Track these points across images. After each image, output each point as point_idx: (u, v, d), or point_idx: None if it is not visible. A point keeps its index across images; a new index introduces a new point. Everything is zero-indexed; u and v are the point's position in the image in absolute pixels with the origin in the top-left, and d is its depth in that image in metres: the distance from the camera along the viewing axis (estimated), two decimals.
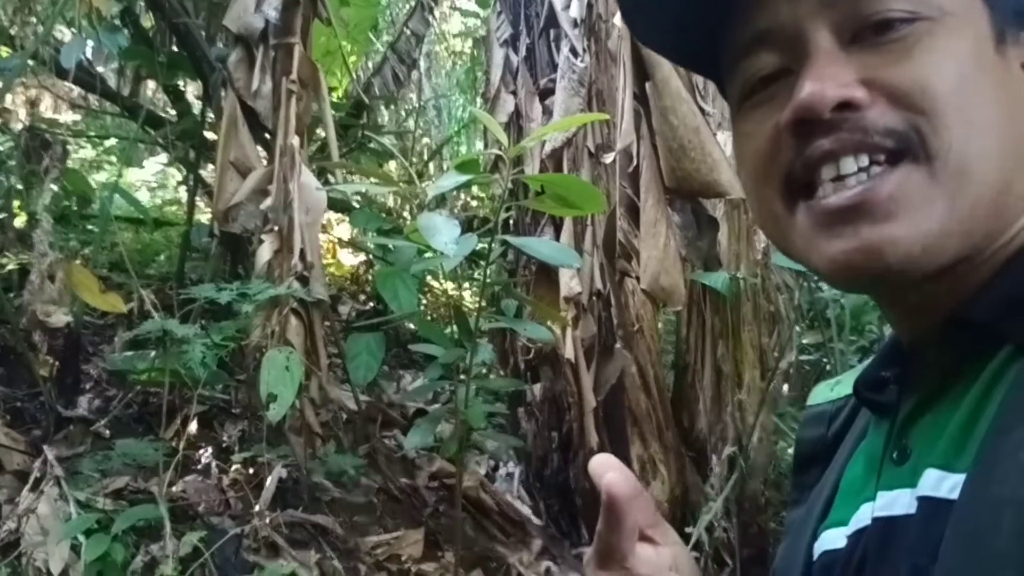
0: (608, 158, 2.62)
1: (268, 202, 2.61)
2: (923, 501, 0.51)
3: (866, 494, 0.57)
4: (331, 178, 3.63)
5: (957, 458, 0.50)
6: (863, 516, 0.57)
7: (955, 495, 0.49)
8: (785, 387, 4.74)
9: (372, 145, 4.15)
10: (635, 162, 2.39)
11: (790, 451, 4.64)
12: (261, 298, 2.39)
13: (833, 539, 0.60)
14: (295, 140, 2.64)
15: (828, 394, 0.71)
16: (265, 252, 2.57)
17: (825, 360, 5.29)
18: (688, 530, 3.09)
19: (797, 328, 3.85)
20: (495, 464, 3.51)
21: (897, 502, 0.54)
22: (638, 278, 2.56)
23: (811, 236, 0.55)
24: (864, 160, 0.52)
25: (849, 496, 0.60)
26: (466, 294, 4.63)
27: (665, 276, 2.32)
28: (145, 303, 2.68)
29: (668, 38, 0.64)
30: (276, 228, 2.60)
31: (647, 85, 2.33)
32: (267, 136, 2.90)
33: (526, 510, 3.22)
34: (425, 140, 6.31)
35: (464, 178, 2.52)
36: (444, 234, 2.29)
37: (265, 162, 2.82)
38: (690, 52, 0.65)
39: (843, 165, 0.53)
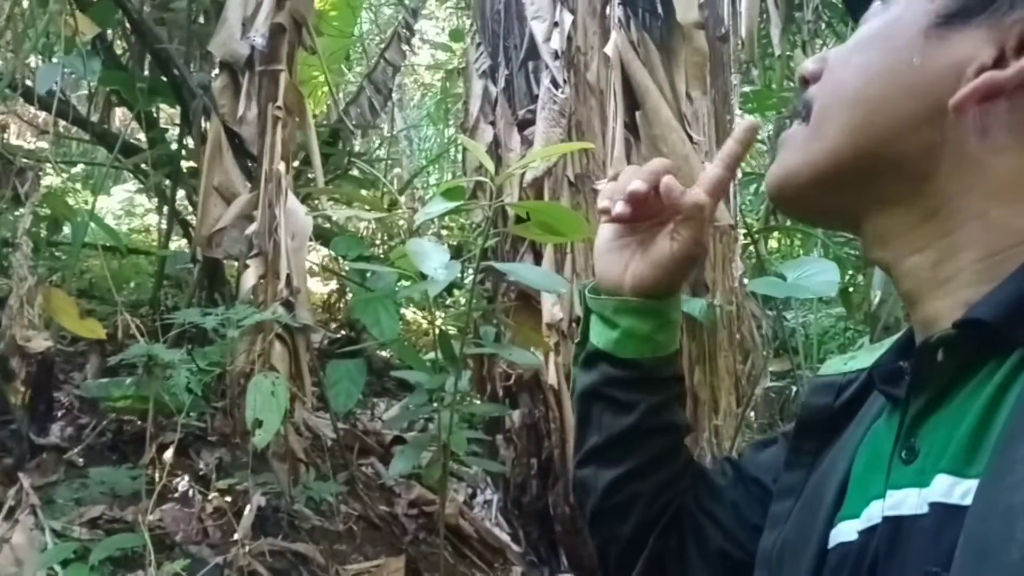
0: (599, 184, 2.67)
1: (254, 227, 2.61)
2: (935, 507, 0.52)
3: (876, 491, 0.58)
4: (310, 205, 3.63)
5: (969, 464, 0.51)
6: (874, 513, 0.58)
7: (967, 501, 0.49)
8: (752, 414, 4.82)
9: (352, 172, 4.16)
10: None
11: None
12: (247, 323, 2.38)
13: (847, 531, 0.61)
14: (281, 166, 2.65)
15: (841, 367, 0.73)
16: (250, 277, 2.56)
17: (794, 387, 5.40)
18: None
19: (763, 354, 3.93)
20: (473, 491, 3.50)
21: (905, 502, 0.55)
22: None
23: None
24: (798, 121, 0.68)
25: (860, 488, 0.62)
26: (439, 321, 4.63)
27: None
28: (125, 329, 2.64)
29: None
30: (261, 253, 2.59)
31: (637, 114, 2.38)
32: (250, 162, 2.90)
33: (505, 537, 3.22)
34: (396, 170, 6.34)
35: (451, 205, 2.54)
36: (433, 259, 2.31)
37: (249, 188, 2.81)
38: None
39: (796, 123, 0.68)
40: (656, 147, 2.35)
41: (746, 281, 3.45)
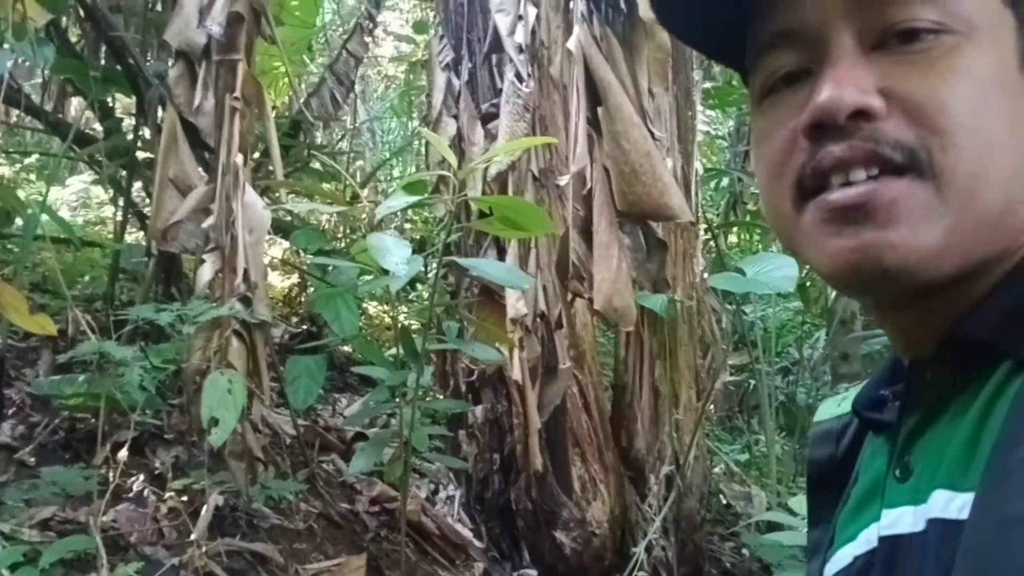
0: (563, 180, 2.66)
1: (210, 220, 2.56)
2: (933, 523, 0.51)
3: (871, 513, 0.58)
4: (269, 198, 3.57)
5: (963, 477, 0.50)
6: (871, 536, 0.57)
7: (964, 515, 0.49)
8: (711, 407, 4.86)
9: (313, 165, 4.10)
10: (588, 185, 2.43)
11: (715, 470, 4.77)
12: (203, 319, 2.33)
13: (841, 558, 0.60)
14: (239, 158, 2.60)
15: (835, 410, 0.72)
16: (206, 272, 2.51)
17: (752, 381, 5.47)
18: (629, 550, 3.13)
19: (722, 348, 3.96)
20: (435, 487, 3.48)
21: (901, 520, 0.54)
22: (590, 299, 2.59)
23: (814, 234, 0.56)
24: (874, 171, 0.53)
25: (854, 515, 0.61)
26: (401, 317, 4.60)
27: (618, 297, 2.36)
28: (78, 325, 2.58)
29: (696, 28, 0.65)
30: (218, 247, 2.54)
31: (599, 110, 2.37)
32: (207, 154, 2.84)
33: (467, 533, 3.20)
34: (359, 163, 6.27)
35: (413, 199, 2.52)
36: (395, 254, 2.28)
37: (205, 180, 2.76)
38: (717, 43, 0.65)
39: (852, 174, 0.54)
40: (618, 143, 2.35)
41: (706, 276, 3.48)
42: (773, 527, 4.05)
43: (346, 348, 4.53)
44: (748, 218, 6.19)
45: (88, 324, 2.32)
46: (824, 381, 5.81)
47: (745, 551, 4.06)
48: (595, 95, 2.41)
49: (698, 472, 3.52)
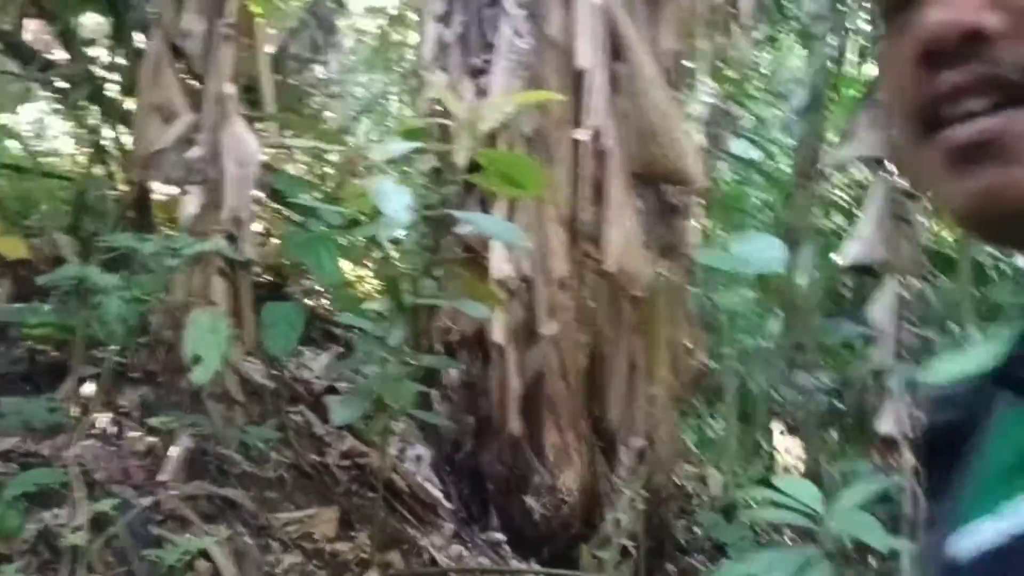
0: (581, 135, 2.59)
1: (196, 151, 2.44)
2: None
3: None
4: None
5: None
6: None
7: None
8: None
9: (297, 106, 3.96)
10: (603, 143, 2.38)
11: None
12: (187, 253, 2.23)
13: (983, 533, 0.53)
14: (229, 87, 2.48)
15: (953, 371, 0.66)
16: (190, 205, 2.40)
17: (714, 364, 5.51)
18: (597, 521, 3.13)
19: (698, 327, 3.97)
20: (402, 447, 3.42)
21: None
22: (599, 261, 2.55)
23: (937, 175, 0.51)
24: (995, 98, 0.48)
25: (995, 487, 0.54)
26: (371, 273, 4.50)
27: (629, 259, 2.33)
28: (40, 253, 2.44)
29: None
30: (204, 181, 2.43)
31: (619, 66, 2.32)
32: (193, 82, 2.71)
33: (437, 493, 3.16)
34: (328, 114, 6.09)
35: (411, 145, 2.45)
36: (395, 200, 2.22)
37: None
38: None
39: (970, 103, 0.49)
40: (636, 101, 2.30)
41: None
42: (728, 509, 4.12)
43: (309, 301, 4.41)
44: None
45: (73, 249, 2.18)
46: (780, 369, 5.90)
47: (698, 529, 4.12)
48: (617, 52, 2.36)
49: (668, 447, 3.53)
